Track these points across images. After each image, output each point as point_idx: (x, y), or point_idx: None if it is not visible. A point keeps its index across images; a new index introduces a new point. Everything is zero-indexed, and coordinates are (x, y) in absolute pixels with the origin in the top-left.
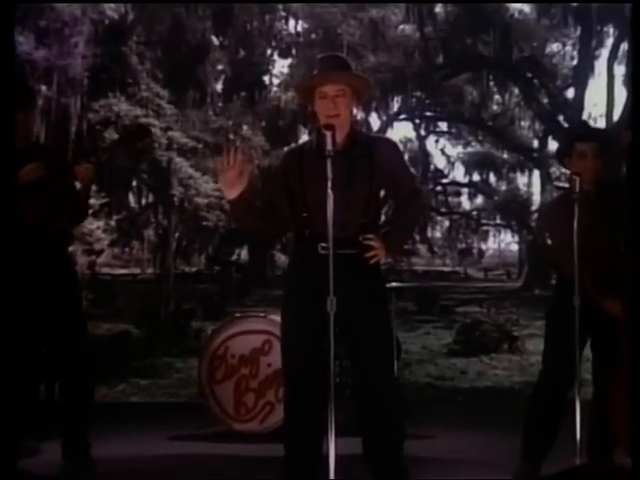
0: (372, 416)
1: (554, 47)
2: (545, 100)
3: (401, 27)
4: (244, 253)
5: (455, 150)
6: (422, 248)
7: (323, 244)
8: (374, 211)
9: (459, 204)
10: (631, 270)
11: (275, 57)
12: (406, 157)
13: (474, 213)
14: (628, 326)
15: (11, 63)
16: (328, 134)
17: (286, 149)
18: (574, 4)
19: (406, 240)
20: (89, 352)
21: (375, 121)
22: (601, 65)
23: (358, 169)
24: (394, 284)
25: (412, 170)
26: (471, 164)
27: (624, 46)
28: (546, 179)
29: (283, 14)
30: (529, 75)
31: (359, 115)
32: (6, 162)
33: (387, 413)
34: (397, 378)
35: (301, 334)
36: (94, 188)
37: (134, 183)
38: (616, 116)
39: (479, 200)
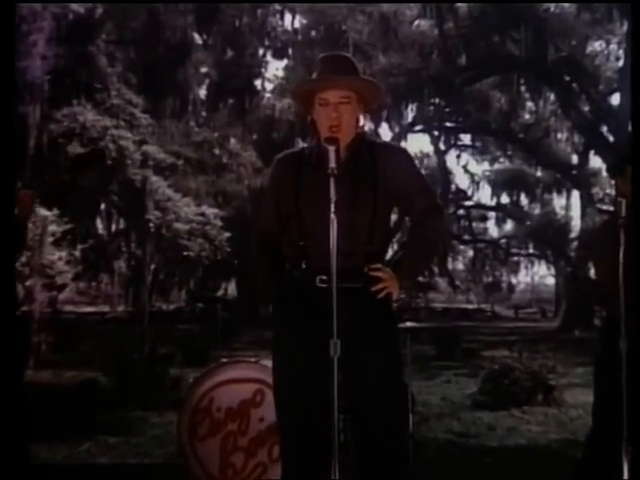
0: None
1: (596, 46)
2: (586, 108)
3: (417, 23)
4: (232, 288)
5: (480, 167)
6: (442, 282)
7: (322, 276)
8: (382, 236)
9: (485, 230)
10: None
11: (268, 58)
12: None
13: (503, 241)
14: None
15: (11, 63)
16: (331, 149)
17: (278, 157)
18: None
19: (421, 271)
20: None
21: (386, 132)
22: None
23: (362, 186)
24: (408, 324)
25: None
26: (499, 183)
27: None
28: (587, 201)
29: (278, 8)
30: (567, 78)
31: (367, 126)
32: (6, 161)
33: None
34: (411, 435)
35: (299, 383)
36: (56, 212)
37: (102, 206)
38: None
39: (508, 226)
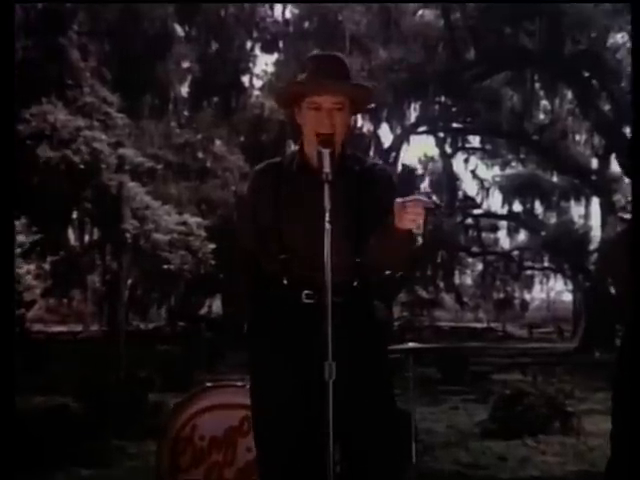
0: None
1: (618, 38)
2: (607, 107)
3: (420, 13)
4: (217, 305)
5: (490, 172)
6: (448, 298)
7: (307, 291)
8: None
9: (496, 241)
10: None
11: (257, 52)
12: (427, 181)
13: (515, 253)
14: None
15: (11, 63)
16: (326, 152)
17: (255, 168)
18: None
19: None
20: None
21: (387, 135)
22: None
23: (350, 195)
24: (411, 344)
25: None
26: (511, 190)
27: None
28: (608, 209)
29: None
30: (586, 74)
31: (365, 127)
32: (5, 161)
33: None
34: (414, 466)
35: (286, 410)
36: (24, 221)
37: (75, 215)
38: None
39: (521, 236)
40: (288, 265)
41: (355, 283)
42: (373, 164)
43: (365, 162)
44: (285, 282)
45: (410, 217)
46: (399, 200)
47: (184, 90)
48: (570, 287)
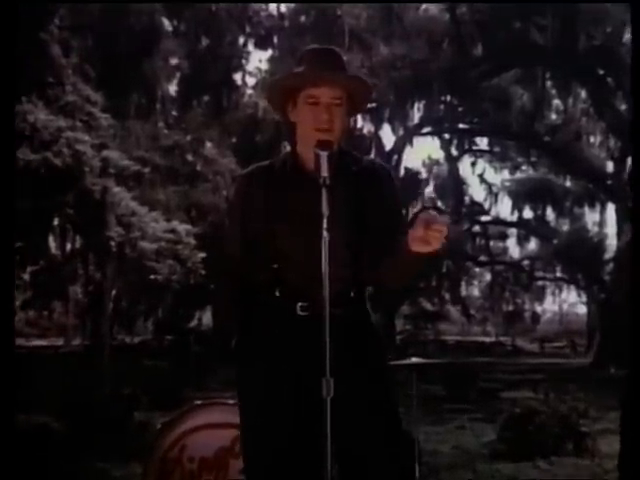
0: None
1: None
2: (623, 106)
3: (424, 7)
4: (207, 317)
5: (499, 176)
6: (454, 310)
7: (302, 303)
8: (370, 257)
9: (505, 250)
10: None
11: (250, 48)
12: (432, 185)
13: (525, 263)
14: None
15: (12, 61)
16: (324, 154)
17: (243, 172)
18: None
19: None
20: None
21: (388, 136)
22: None
23: (349, 200)
24: (415, 360)
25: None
26: (521, 195)
27: None
28: (625, 216)
29: None
30: (601, 72)
31: (366, 128)
32: (5, 160)
33: None
34: None
35: (280, 430)
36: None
37: (56, 222)
38: None
39: (532, 245)
40: (281, 275)
41: (352, 294)
42: (371, 162)
43: (362, 161)
44: (278, 293)
45: (436, 239)
46: (420, 220)
47: (172, 88)
48: (584, 299)
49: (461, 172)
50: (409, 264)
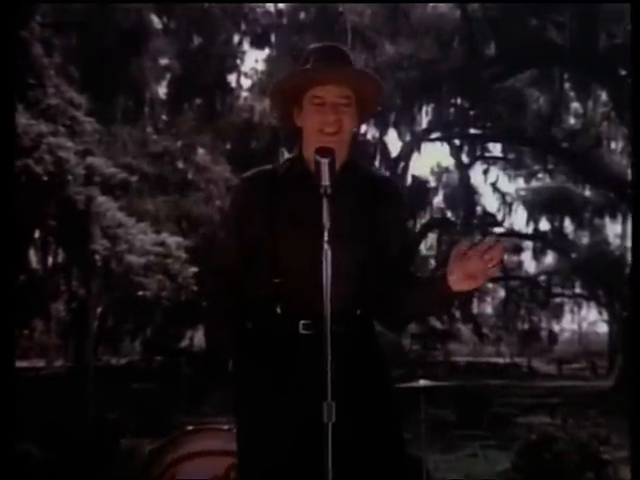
0: None
1: None
2: None
3: (433, 3)
4: (199, 337)
5: (513, 185)
6: (465, 329)
7: (305, 321)
8: (377, 273)
9: (520, 265)
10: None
11: (245, 47)
12: (441, 195)
13: (542, 278)
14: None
15: (12, 62)
16: (324, 162)
17: (244, 176)
18: None
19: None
20: None
21: (394, 142)
22: None
23: (357, 212)
24: (423, 382)
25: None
26: (537, 205)
27: None
28: None
29: None
30: (622, 73)
31: (370, 133)
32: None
33: None
34: None
35: (279, 456)
36: None
37: (36, 234)
38: None
39: (549, 259)
40: (282, 290)
41: (359, 311)
42: (381, 177)
43: (371, 173)
44: (279, 310)
45: (485, 273)
46: (468, 258)
47: (162, 91)
48: (605, 317)
49: (472, 181)
50: (438, 304)
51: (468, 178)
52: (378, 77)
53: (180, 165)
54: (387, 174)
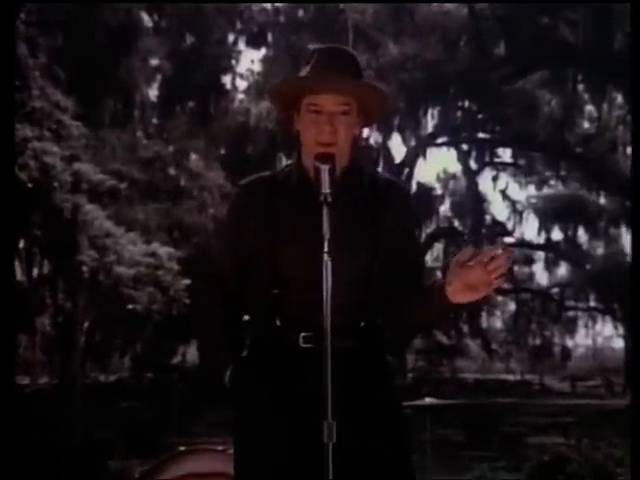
0: None
1: None
2: None
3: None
4: (192, 352)
5: (524, 192)
6: (473, 345)
7: (306, 333)
8: (381, 284)
9: (531, 276)
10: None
11: (241, 47)
12: (448, 203)
13: (554, 290)
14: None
15: (12, 63)
16: (324, 169)
17: (242, 183)
18: None
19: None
20: None
21: (398, 147)
22: None
23: (360, 220)
24: (429, 400)
25: (421, 240)
26: (549, 214)
27: None
28: None
29: None
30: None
31: (373, 137)
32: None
33: None
34: None
35: (278, 477)
36: None
37: (21, 244)
38: None
39: (562, 270)
40: (282, 302)
41: (363, 324)
42: (386, 180)
43: (375, 177)
44: (278, 323)
45: (488, 284)
46: (469, 267)
47: (153, 93)
48: (621, 332)
49: (481, 188)
50: (438, 315)
51: (476, 185)
52: (381, 86)
53: (172, 171)
54: (393, 177)
